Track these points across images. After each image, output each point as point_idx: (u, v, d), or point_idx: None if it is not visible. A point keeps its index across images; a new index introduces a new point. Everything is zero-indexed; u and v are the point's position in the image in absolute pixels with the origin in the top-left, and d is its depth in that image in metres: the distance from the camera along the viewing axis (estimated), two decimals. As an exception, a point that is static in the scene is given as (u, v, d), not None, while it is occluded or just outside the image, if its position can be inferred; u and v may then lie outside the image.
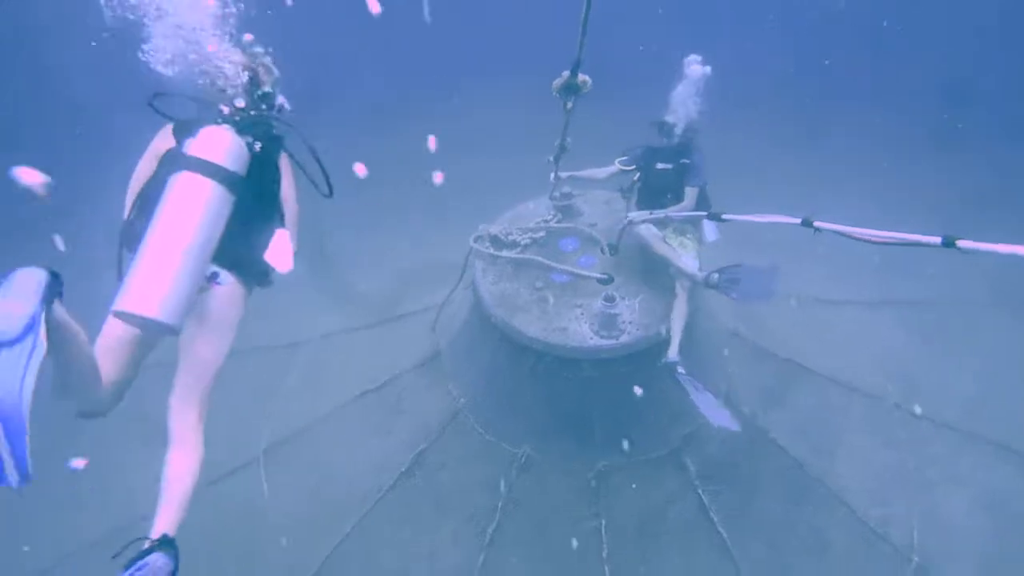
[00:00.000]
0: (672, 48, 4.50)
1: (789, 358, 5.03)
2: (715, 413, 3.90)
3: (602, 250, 4.68)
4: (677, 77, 4.35)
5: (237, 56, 2.65)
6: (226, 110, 2.59)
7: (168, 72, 2.53)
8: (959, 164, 9.10)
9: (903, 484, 4.40)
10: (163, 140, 2.64)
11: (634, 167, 4.76)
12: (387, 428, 4.82)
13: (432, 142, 5.20)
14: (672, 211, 4.39)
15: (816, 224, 2.37)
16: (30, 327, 1.58)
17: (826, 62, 11.77)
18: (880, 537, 4.13)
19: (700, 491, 4.26)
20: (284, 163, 2.81)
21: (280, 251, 2.67)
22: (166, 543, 2.16)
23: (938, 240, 1.81)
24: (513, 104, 10.62)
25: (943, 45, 12.41)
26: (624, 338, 4.04)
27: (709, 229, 4.60)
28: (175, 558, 2.15)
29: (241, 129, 2.50)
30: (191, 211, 2.23)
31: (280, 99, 2.85)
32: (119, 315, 2.11)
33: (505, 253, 4.69)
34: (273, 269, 2.70)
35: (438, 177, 5.26)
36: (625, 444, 4.29)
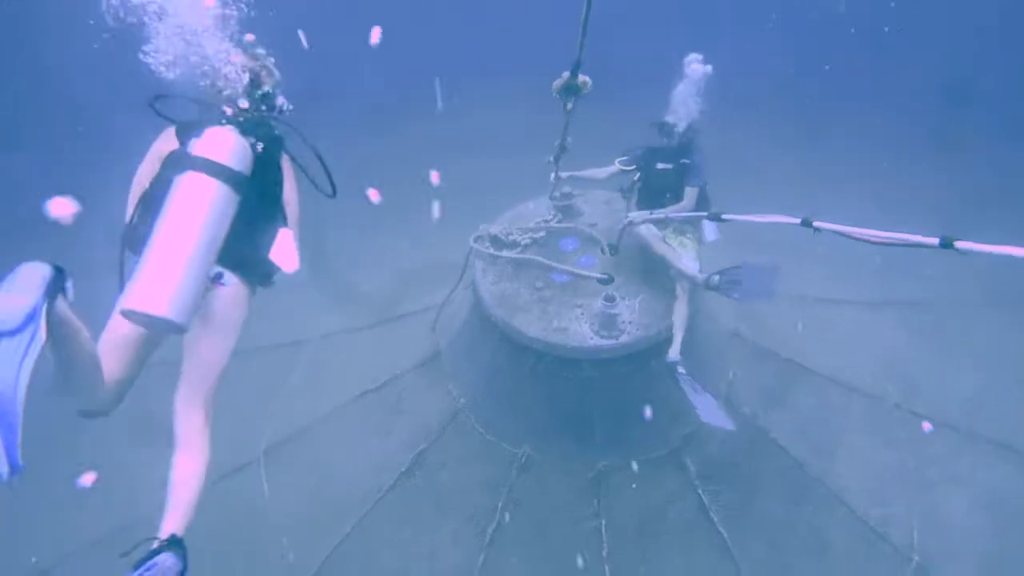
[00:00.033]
0: (672, 48, 4.50)
1: (789, 358, 5.03)
2: (710, 412, 3.90)
3: (602, 250, 4.68)
4: (678, 76, 4.36)
5: (239, 57, 2.66)
6: (229, 111, 2.60)
7: (169, 75, 2.54)
8: (959, 164, 9.10)
9: (903, 484, 4.40)
10: (165, 142, 2.65)
11: (634, 167, 4.76)
12: (387, 428, 4.82)
13: (435, 177, 5.18)
14: (672, 212, 4.39)
15: (816, 224, 2.37)
16: (31, 318, 1.59)
17: (826, 67, 11.76)
18: (880, 537, 4.13)
19: (700, 491, 4.27)
20: (285, 164, 2.82)
21: (286, 250, 2.68)
22: (175, 543, 2.19)
23: (936, 241, 1.82)
24: (513, 104, 10.62)
25: (943, 45, 12.41)
26: (624, 338, 4.05)
27: (709, 229, 4.59)
28: (184, 558, 2.17)
29: (244, 130, 2.50)
30: (197, 210, 2.24)
31: (280, 100, 2.85)
32: (127, 314, 2.11)
33: (505, 253, 4.70)
34: (276, 269, 2.71)
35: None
36: (635, 465, 4.33)
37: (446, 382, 4.93)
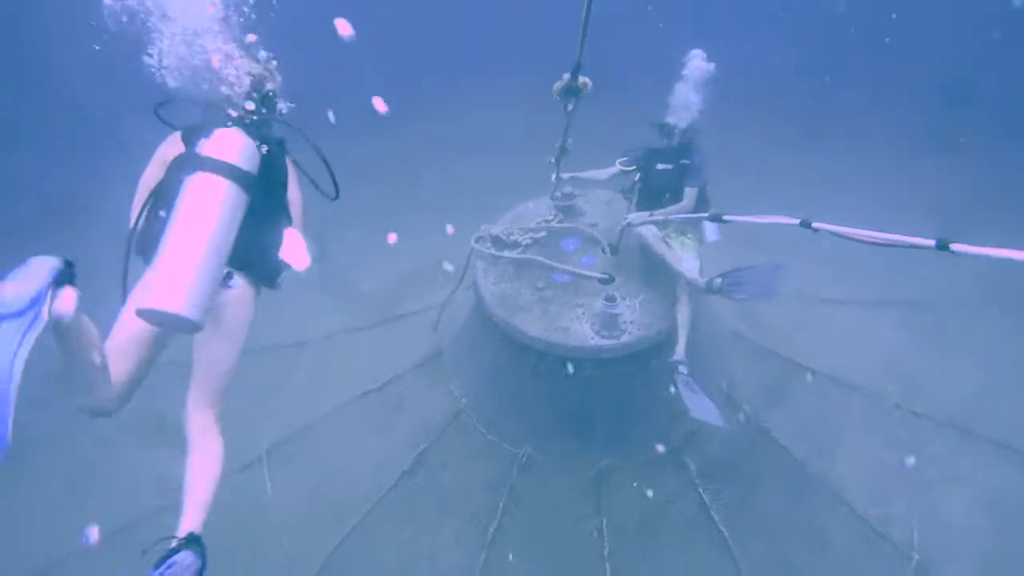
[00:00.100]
0: (672, 48, 4.51)
1: (790, 357, 5.04)
2: (700, 408, 3.90)
3: (603, 250, 4.70)
4: (679, 73, 4.36)
5: (241, 60, 2.68)
6: (234, 113, 2.61)
7: (171, 81, 2.56)
8: (958, 163, 9.12)
9: (903, 483, 4.41)
10: (170, 147, 2.67)
11: (634, 168, 4.78)
12: (389, 427, 4.83)
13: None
14: (672, 213, 4.40)
15: (815, 225, 2.39)
16: (34, 303, 1.62)
17: (826, 78, 11.77)
18: (880, 535, 4.15)
19: (701, 490, 4.28)
20: (289, 165, 2.83)
21: (296, 249, 2.70)
22: (193, 541, 2.22)
23: (932, 243, 1.83)
24: (513, 104, 10.64)
25: (943, 45, 12.42)
26: (625, 338, 4.06)
27: (710, 229, 4.61)
28: (202, 555, 2.20)
29: (249, 132, 2.52)
30: (209, 209, 2.26)
31: (280, 103, 2.88)
32: (142, 313, 2.13)
33: (506, 253, 4.71)
34: (283, 269, 2.73)
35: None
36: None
37: (447, 382, 4.95)
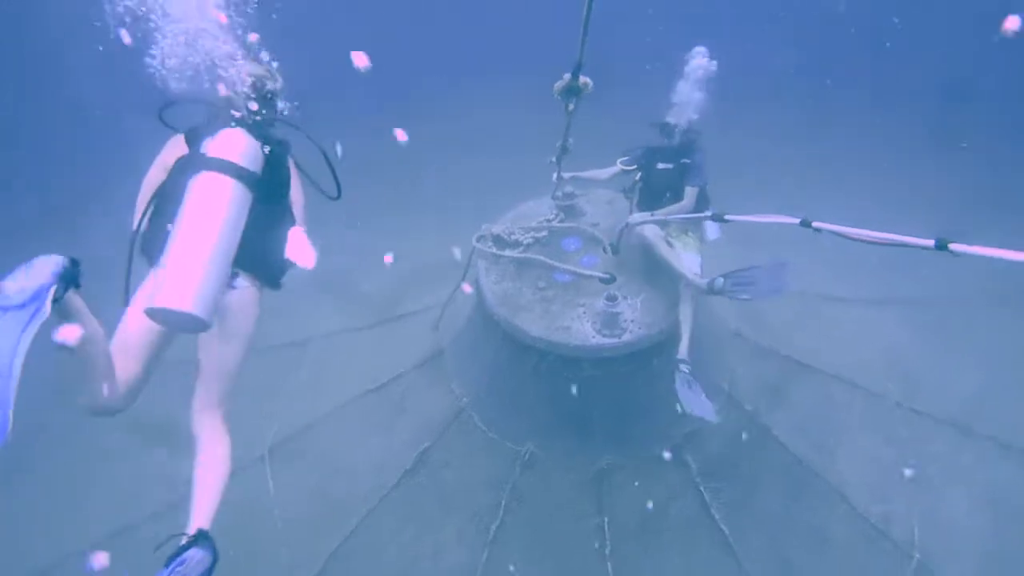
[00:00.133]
0: (673, 48, 4.53)
1: (790, 355, 5.06)
2: (693, 403, 3.91)
3: (604, 249, 4.71)
4: (681, 70, 4.37)
5: (242, 60, 2.70)
6: (236, 114, 2.63)
7: (174, 79, 2.58)
8: (959, 162, 9.12)
9: (904, 481, 4.42)
10: (173, 149, 2.69)
11: (635, 167, 4.80)
12: (391, 426, 4.84)
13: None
14: (672, 213, 4.42)
15: (815, 224, 2.41)
16: (36, 296, 1.64)
17: (827, 82, 11.77)
18: (881, 533, 4.15)
19: (702, 488, 4.29)
20: (290, 166, 2.85)
21: (301, 248, 2.72)
22: (202, 537, 2.25)
23: (931, 243, 1.85)
24: (514, 104, 10.65)
25: (943, 45, 12.42)
26: (626, 337, 4.07)
27: (711, 228, 4.64)
28: (213, 551, 2.24)
29: (252, 132, 2.54)
30: (216, 208, 2.28)
31: (281, 104, 2.90)
32: (151, 313, 2.15)
33: (508, 252, 4.72)
34: (288, 269, 2.75)
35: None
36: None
37: (449, 381, 4.96)
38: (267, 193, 2.54)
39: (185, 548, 2.17)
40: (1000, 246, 1.60)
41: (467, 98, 12.26)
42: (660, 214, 4.41)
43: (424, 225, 7.58)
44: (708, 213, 4.37)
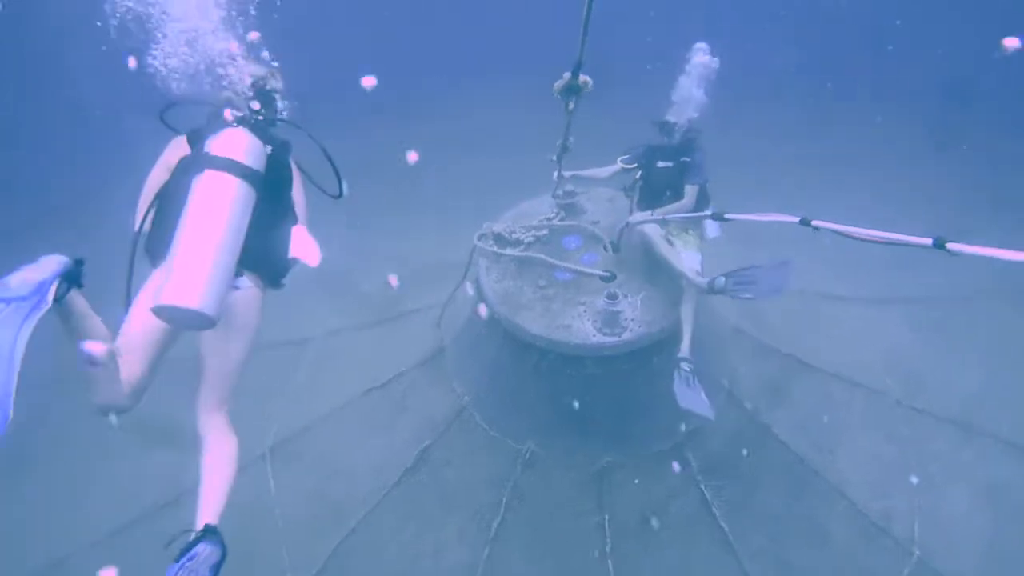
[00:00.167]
0: (673, 46, 4.54)
1: (791, 354, 5.07)
2: (688, 399, 3.92)
3: (605, 248, 4.72)
4: (682, 66, 4.38)
5: (242, 60, 2.72)
6: (238, 114, 2.64)
7: (174, 80, 2.59)
8: (959, 163, 9.14)
9: (904, 478, 4.43)
10: (175, 150, 2.70)
11: (635, 165, 4.81)
12: (392, 425, 4.85)
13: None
14: (672, 212, 4.42)
15: (814, 223, 2.42)
16: (38, 290, 1.65)
17: (828, 86, 11.78)
18: (881, 531, 4.17)
19: (702, 486, 4.30)
20: (292, 166, 2.86)
21: (306, 245, 2.73)
22: (210, 532, 2.28)
23: (929, 241, 1.86)
24: (514, 103, 10.67)
25: (943, 45, 12.43)
26: (626, 335, 4.08)
27: (711, 226, 4.65)
28: (221, 544, 2.26)
29: (255, 132, 2.55)
30: (221, 206, 2.29)
31: (280, 105, 2.92)
32: (158, 310, 2.16)
33: (509, 251, 4.73)
34: (291, 267, 2.76)
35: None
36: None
37: (450, 379, 4.97)
38: (270, 192, 2.55)
39: (194, 543, 2.20)
40: (1000, 245, 1.61)
41: (467, 98, 12.28)
42: (660, 213, 4.42)
43: (424, 225, 7.60)
44: (708, 212, 4.39)
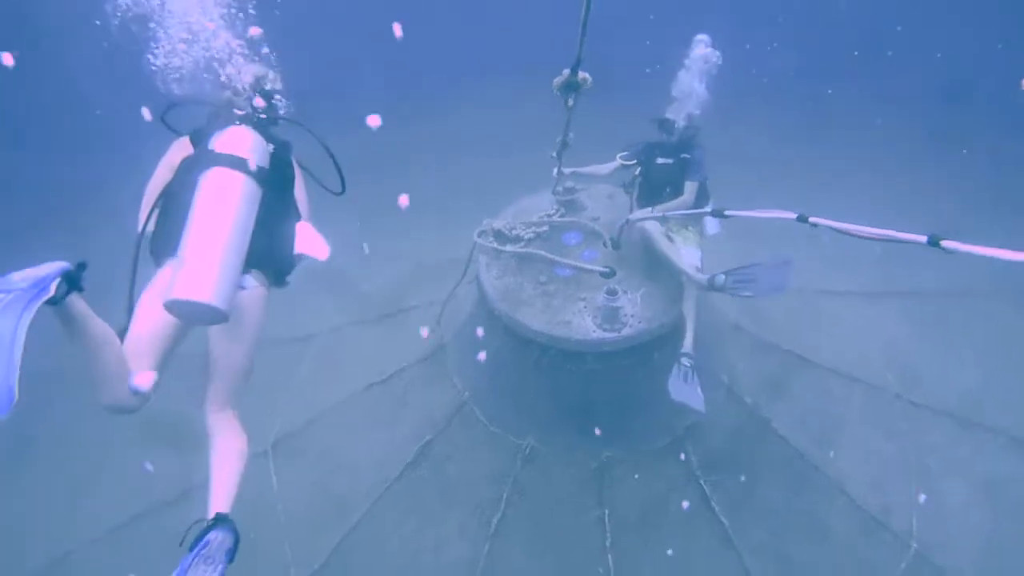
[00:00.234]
0: (673, 44, 4.56)
1: (791, 349, 5.09)
2: (681, 391, 3.95)
3: (604, 244, 4.74)
4: (684, 58, 4.39)
5: (242, 58, 2.74)
6: (240, 112, 2.67)
7: (175, 78, 2.61)
8: (959, 162, 9.15)
9: (903, 472, 4.45)
10: (179, 151, 2.71)
11: (635, 162, 4.83)
12: (393, 420, 4.88)
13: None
14: (672, 209, 4.45)
15: (811, 219, 2.46)
16: (39, 283, 1.66)
17: (829, 91, 11.78)
18: (880, 525, 4.19)
19: (702, 481, 4.33)
20: (294, 164, 2.89)
21: (313, 241, 2.76)
22: (222, 520, 2.31)
23: (924, 239, 1.89)
24: (514, 100, 10.68)
25: (943, 46, 12.44)
26: (626, 331, 4.10)
27: (710, 223, 4.68)
28: (234, 531, 2.30)
29: (258, 130, 2.58)
30: (228, 202, 2.32)
31: (280, 105, 2.94)
32: (170, 305, 2.18)
33: (509, 247, 4.75)
34: (297, 263, 2.78)
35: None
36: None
37: (451, 375, 5.00)
38: (274, 189, 2.58)
39: (206, 531, 2.23)
40: (1001, 246, 1.63)
41: (467, 95, 12.29)
42: (660, 210, 4.44)
43: (424, 224, 7.60)
44: (708, 209, 4.41)
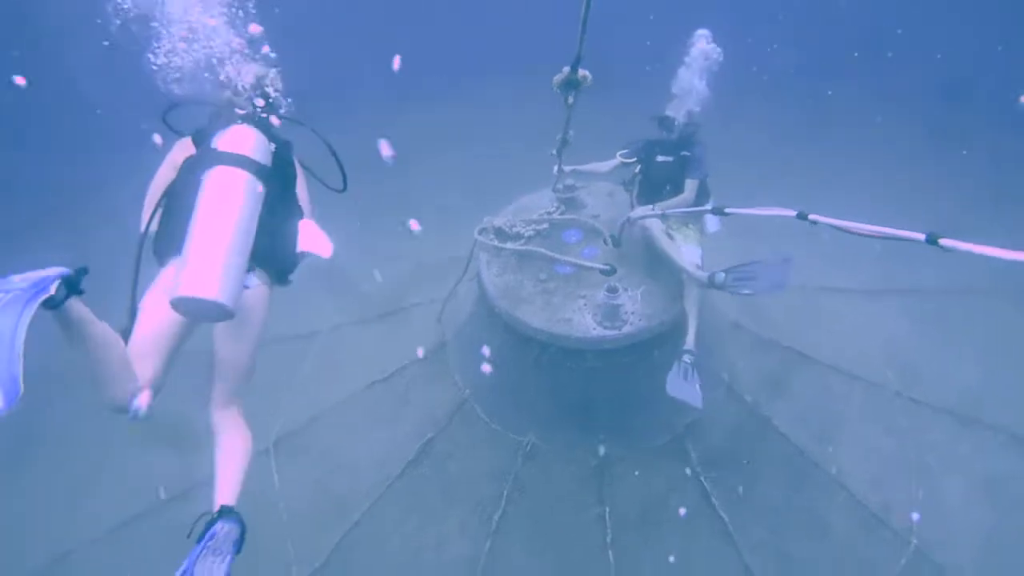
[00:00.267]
0: (673, 41, 4.56)
1: (791, 346, 5.09)
2: (678, 386, 3.95)
3: (605, 241, 4.74)
4: (684, 53, 4.39)
5: (243, 57, 2.75)
6: (242, 112, 2.68)
7: (175, 79, 2.62)
8: (959, 160, 9.14)
9: (903, 470, 4.46)
10: (181, 151, 2.72)
11: (635, 160, 4.84)
12: (394, 418, 4.89)
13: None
14: (673, 206, 4.45)
15: (811, 217, 2.47)
16: (39, 283, 1.66)
17: (829, 92, 11.77)
18: (880, 522, 4.20)
19: (702, 478, 4.33)
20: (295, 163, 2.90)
21: (316, 239, 2.77)
22: (226, 511, 2.33)
23: (922, 237, 1.90)
24: (514, 98, 10.68)
25: (943, 45, 12.42)
26: (627, 329, 4.11)
27: (711, 221, 4.67)
28: (240, 523, 2.32)
29: (259, 129, 2.59)
30: (233, 200, 2.32)
31: (284, 102, 2.95)
32: (176, 303, 2.18)
33: (509, 245, 4.76)
34: (300, 261, 2.78)
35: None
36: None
37: (452, 373, 5.01)
38: (277, 188, 2.58)
39: (212, 523, 2.25)
40: (1001, 243, 1.63)
41: (467, 95, 12.29)
42: (661, 207, 4.44)
43: (425, 220, 7.60)
44: (708, 207, 4.41)
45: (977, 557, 4.07)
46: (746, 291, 3.83)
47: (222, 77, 2.73)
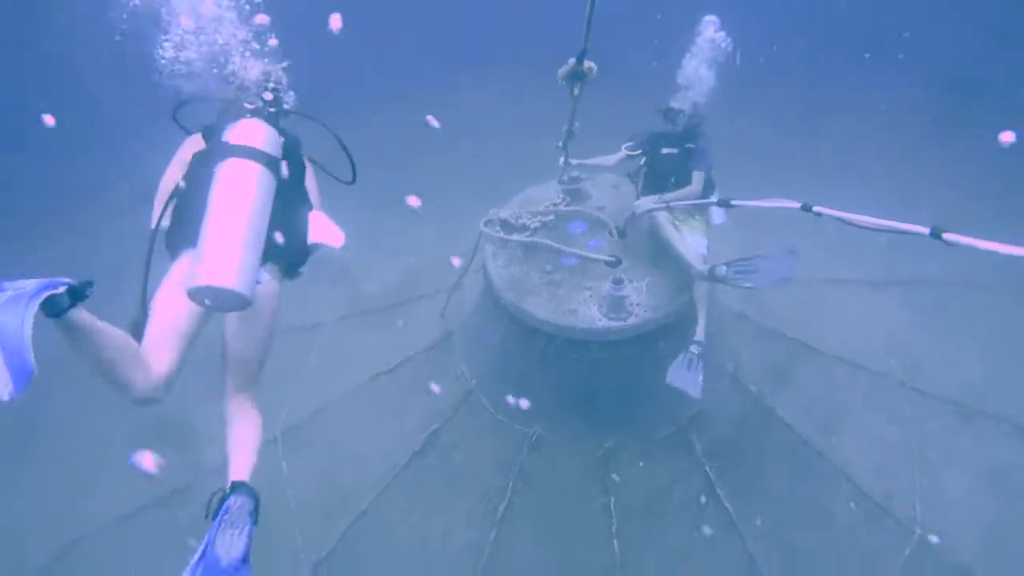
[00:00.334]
0: (676, 36, 4.55)
1: (795, 337, 5.11)
2: (678, 376, 3.99)
3: (610, 233, 4.75)
4: (691, 42, 4.38)
5: (249, 52, 2.77)
6: (250, 106, 2.70)
7: (183, 75, 2.64)
8: (963, 154, 9.10)
9: (907, 459, 4.48)
10: (191, 147, 2.73)
11: (640, 152, 4.84)
12: (400, 409, 4.92)
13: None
14: (680, 198, 4.45)
15: (815, 209, 2.49)
16: (49, 283, 1.68)
17: (831, 91, 11.71)
18: (884, 511, 4.22)
19: (707, 468, 4.35)
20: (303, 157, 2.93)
21: (327, 229, 2.79)
22: (239, 486, 2.35)
23: (926, 231, 1.91)
24: (520, 90, 10.66)
25: (944, 44, 12.34)
26: (632, 320, 4.12)
27: (716, 212, 4.68)
28: (253, 496, 2.34)
29: (269, 123, 2.61)
30: (246, 191, 2.34)
31: (290, 96, 2.97)
32: (193, 292, 2.20)
33: (515, 237, 4.77)
34: (311, 253, 2.80)
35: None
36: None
37: (458, 364, 5.03)
38: (287, 181, 2.60)
39: (225, 498, 2.29)
40: (1006, 234, 1.64)
41: (472, 86, 12.27)
42: (667, 199, 4.44)
43: (429, 217, 7.60)
44: (714, 199, 4.41)
45: (980, 547, 4.09)
46: (746, 284, 3.84)
47: (229, 71, 2.76)
